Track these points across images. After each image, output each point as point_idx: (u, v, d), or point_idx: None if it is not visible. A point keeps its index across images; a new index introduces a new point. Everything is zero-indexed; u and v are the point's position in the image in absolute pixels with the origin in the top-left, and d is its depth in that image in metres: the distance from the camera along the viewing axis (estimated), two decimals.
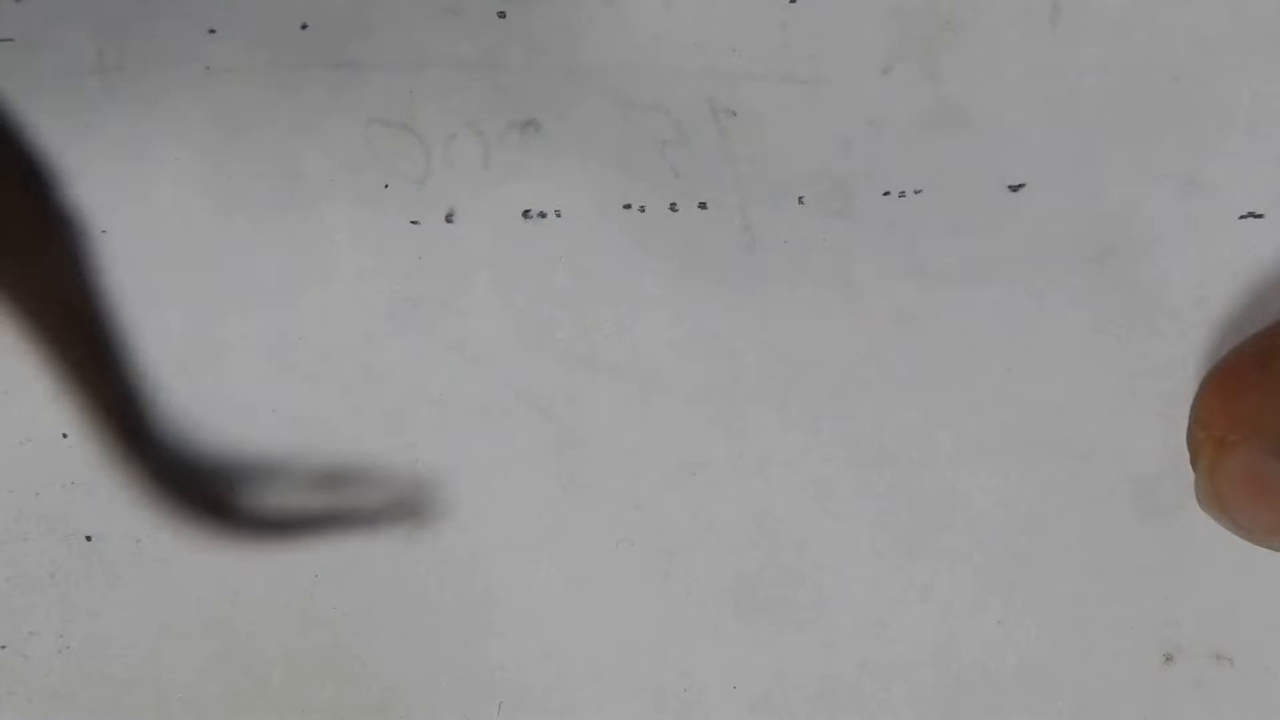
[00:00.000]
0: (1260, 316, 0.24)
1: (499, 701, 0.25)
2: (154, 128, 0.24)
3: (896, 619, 0.25)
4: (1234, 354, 0.23)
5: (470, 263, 0.24)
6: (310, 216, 0.24)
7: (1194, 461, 0.23)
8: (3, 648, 0.26)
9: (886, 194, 0.24)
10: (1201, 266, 0.24)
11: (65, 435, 0.25)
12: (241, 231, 0.24)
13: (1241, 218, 0.24)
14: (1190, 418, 0.23)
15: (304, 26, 0.23)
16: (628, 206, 0.24)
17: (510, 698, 0.25)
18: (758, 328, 0.24)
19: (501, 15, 0.23)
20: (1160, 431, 0.24)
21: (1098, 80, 0.23)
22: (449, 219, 0.24)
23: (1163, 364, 0.24)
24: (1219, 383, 0.23)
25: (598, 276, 0.24)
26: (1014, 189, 0.24)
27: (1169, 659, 0.25)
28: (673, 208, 0.24)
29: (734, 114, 0.24)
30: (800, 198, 0.24)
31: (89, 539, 0.25)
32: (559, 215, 0.24)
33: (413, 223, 0.24)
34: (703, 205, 0.24)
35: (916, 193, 0.24)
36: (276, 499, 0.14)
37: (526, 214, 0.24)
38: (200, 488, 0.15)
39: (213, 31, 0.23)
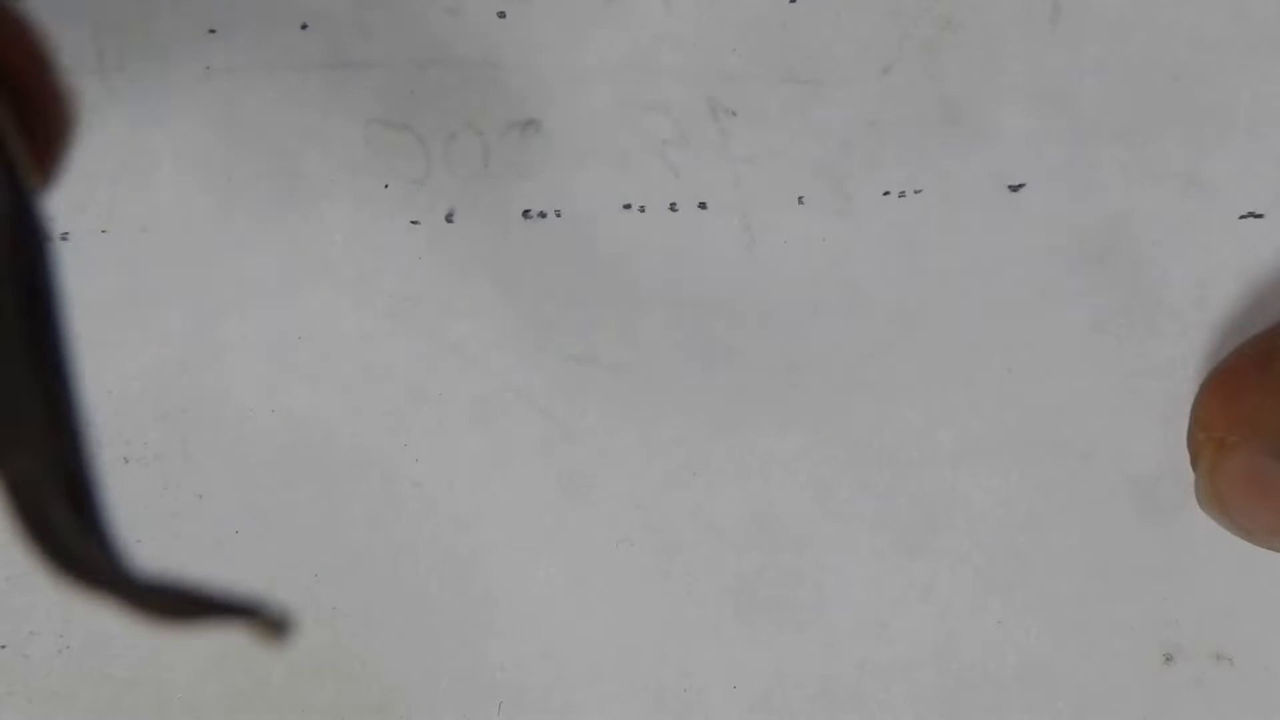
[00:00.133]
0: (1260, 317, 0.24)
1: (499, 701, 0.25)
2: (154, 128, 0.24)
3: (896, 619, 0.25)
4: (1234, 355, 0.23)
5: (470, 263, 0.24)
6: (310, 216, 0.24)
7: (1194, 462, 0.23)
8: (3, 648, 0.26)
9: (886, 194, 0.24)
10: (1201, 266, 0.24)
11: None
12: (241, 231, 0.24)
13: (1241, 218, 0.24)
14: (1190, 419, 0.23)
15: (304, 26, 0.23)
16: (628, 206, 0.24)
17: (510, 698, 0.25)
18: (758, 328, 0.24)
19: (501, 15, 0.23)
20: (1160, 431, 0.24)
21: (1098, 80, 0.23)
22: (449, 219, 0.24)
23: (1163, 364, 0.24)
24: (1219, 384, 0.23)
25: (598, 276, 0.24)
26: (1014, 189, 0.24)
27: (1169, 659, 0.25)
28: (673, 208, 0.24)
29: (734, 114, 0.24)
30: (800, 198, 0.24)
31: None
32: (559, 215, 0.24)
33: (413, 223, 0.24)
34: (703, 205, 0.24)
35: (916, 193, 0.24)
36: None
37: (526, 214, 0.24)
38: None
39: (213, 31, 0.23)
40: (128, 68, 0.23)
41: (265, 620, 0.13)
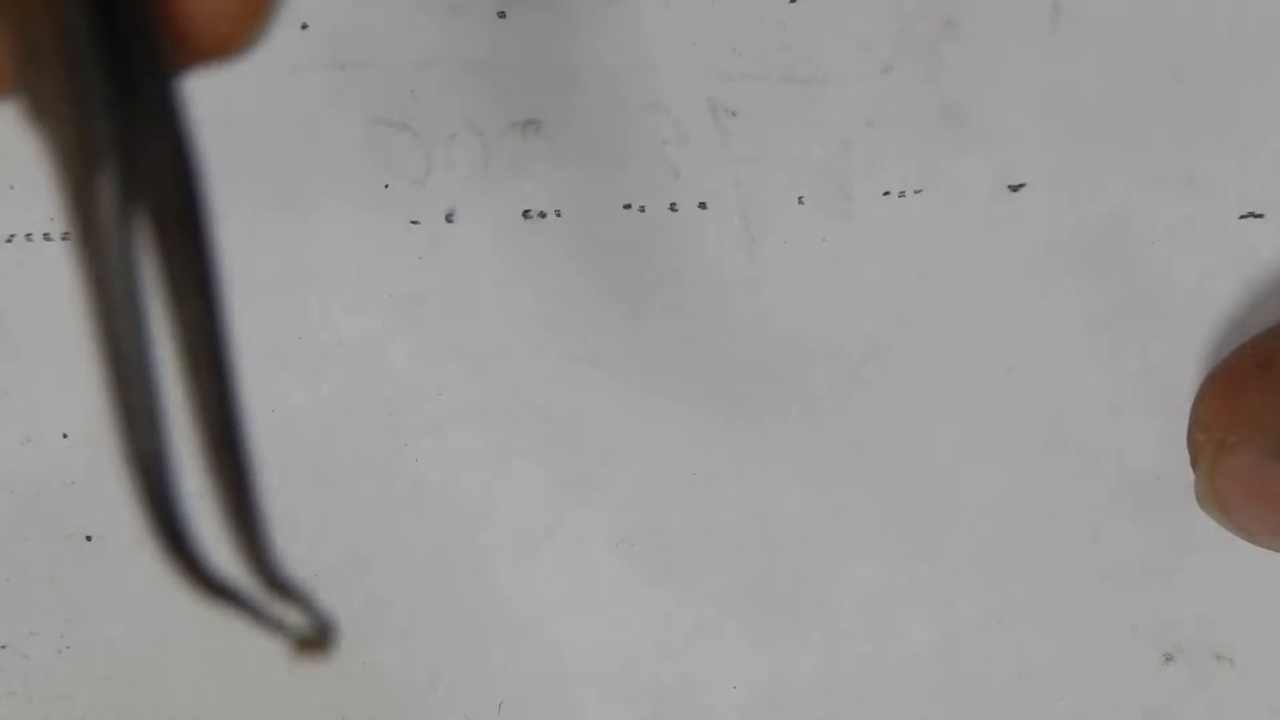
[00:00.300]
0: (1260, 316, 0.24)
1: (499, 701, 0.25)
2: None
3: (896, 619, 0.25)
4: (1234, 355, 0.23)
5: (470, 263, 0.24)
6: (310, 216, 0.24)
7: (1194, 462, 0.23)
8: (3, 648, 0.26)
9: (886, 194, 0.24)
10: (1201, 266, 0.24)
11: (65, 435, 0.25)
12: (241, 231, 0.24)
13: (1241, 218, 0.24)
14: (1190, 419, 0.23)
15: (304, 26, 0.23)
16: (628, 206, 0.24)
17: (510, 698, 0.25)
18: (758, 328, 0.24)
19: (501, 15, 0.23)
20: (1160, 432, 0.24)
21: (1098, 80, 0.23)
22: (449, 219, 0.24)
23: (1163, 364, 0.24)
24: (1219, 384, 0.23)
25: (598, 276, 0.24)
26: (1014, 189, 0.24)
27: (1169, 659, 0.25)
28: (673, 208, 0.24)
29: (734, 114, 0.24)
30: (800, 198, 0.24)
31: (89, 539, 0.25)
32: (559, 215, 0.24)
33: (413, 223, 0.24)
34: (703, 205, 0.24)
35: (916, 193, 0.24)
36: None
37: (526, 214, 0.24)
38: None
39: None
40: None
41: (302, 636, 0.14)
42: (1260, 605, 0.25)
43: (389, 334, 0.24)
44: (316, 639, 0.14)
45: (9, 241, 0.24)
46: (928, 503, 0.25)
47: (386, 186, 0.24)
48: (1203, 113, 0.23)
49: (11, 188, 0.24)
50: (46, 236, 0.24)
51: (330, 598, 0.25)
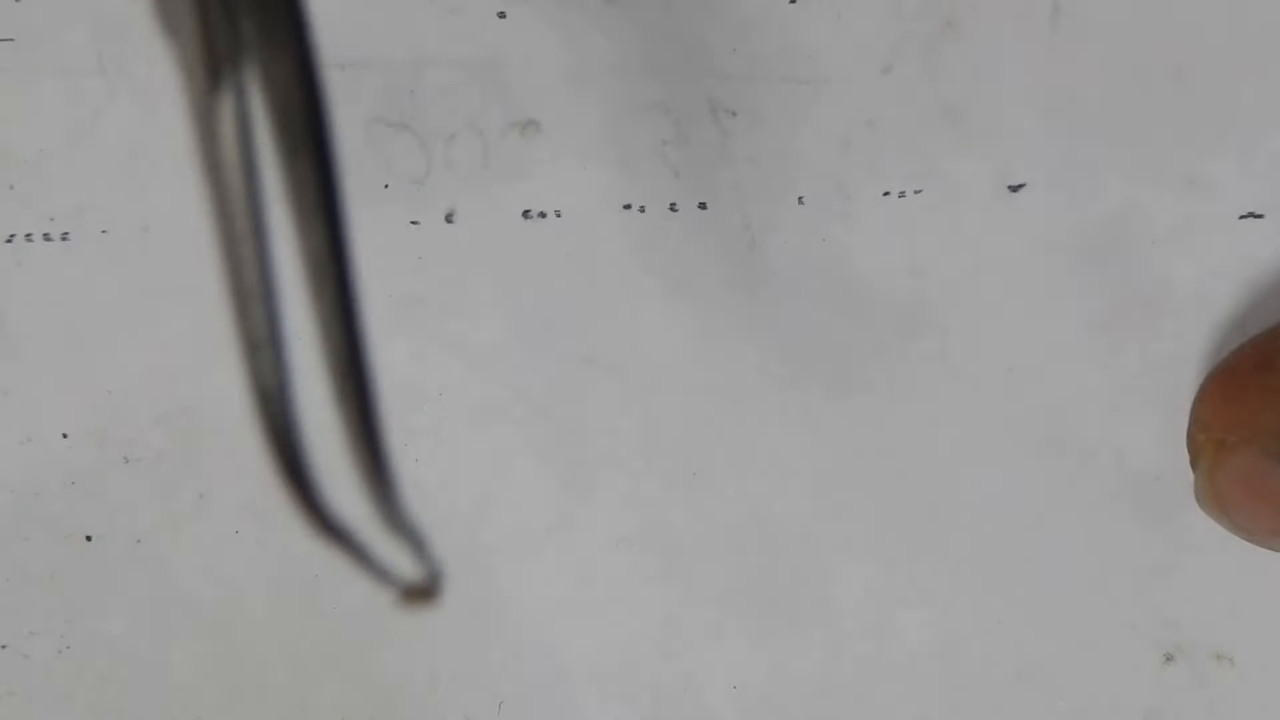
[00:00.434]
0: (1260, 316, 0.24)
1: (499, 701, 0.25)
2: (154, 128, 0.24)
3: (896, 619, 0.25)
4: (1234, 355, 0.23)
5: (470, 263, 0.24)
6: None
7: (1194, 463, 0.23)
8: (3, 648, 0.26)
9: (886, 194, 0.24)
10: (1201, 266, 0.24)
11: (65, 435, 0.25)
12: None
13: (1241, 218, 0.24)
14: (1190, 419, 0.23)
15: None
16: (628, 206, 0.24)
17: (510, 698, 0.25)
18: (758, 328, 0.24)
19: (501, 15, 0.23)
20: (1160, 432, 0.24)
21: (1098, 80, 0.23)
22: (449, 219, 0.24)
23: (1163, 364, 0.24)
24: (1219, 384, 0.23)
25: (598, 276, 0.24)
26: (1014, 189, 0.24)
27: (1169, 659, 0.25)
28: (673, 208, 0.24)
29: (734, 114, 0.24)
30: (800, 198, 0.24)
31: (89, 539, 0.25)
32: (559, 215, 0.24)
33: (413, 223, 0.24)
34: (703, 205, 0.24)
35: (916, 193, 0.24)
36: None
37: (526, 214, 0.24)
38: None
39: None
40: (128, 68, 0.23)
41: (409, 585, 0.14)
42: (1260, 605, 0.25)
43: (389, 334, 0.24)
44: (425, 588, 0.14)
45: (9, 241, 0.24)
46: (928, 503, 0.25)
47: (386, 186, 0.24)
48: (1203, 113, 0.23)
49: (11, 188, 0.24)
50: (46, 236, 0.24)
51: (330, 597, 0.25)
